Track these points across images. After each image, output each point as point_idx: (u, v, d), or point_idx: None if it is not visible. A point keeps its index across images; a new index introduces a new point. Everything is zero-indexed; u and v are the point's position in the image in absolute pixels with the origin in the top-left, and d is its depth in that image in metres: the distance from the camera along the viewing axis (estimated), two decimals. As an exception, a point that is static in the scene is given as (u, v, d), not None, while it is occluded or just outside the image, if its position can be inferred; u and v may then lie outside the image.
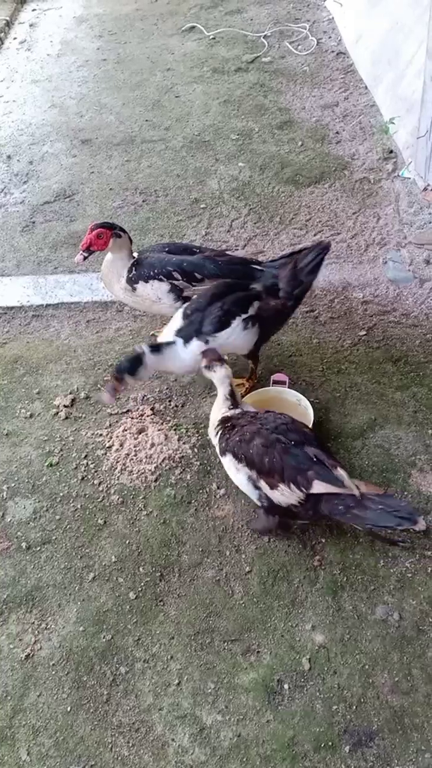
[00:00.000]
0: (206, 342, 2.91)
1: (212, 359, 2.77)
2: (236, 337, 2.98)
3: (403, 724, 2.23)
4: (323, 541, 2.70)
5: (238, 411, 2.72)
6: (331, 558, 2.64)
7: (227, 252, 3.38)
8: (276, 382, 3.15)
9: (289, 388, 3.14)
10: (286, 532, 2.70)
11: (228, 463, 2.63)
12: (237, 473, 2.59)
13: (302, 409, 3.02)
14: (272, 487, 2.50)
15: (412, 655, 2.37)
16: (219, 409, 2.75)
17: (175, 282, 3.16)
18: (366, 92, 5.49)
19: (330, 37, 6.31)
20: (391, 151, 4.82)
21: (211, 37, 6.48)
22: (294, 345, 3.55)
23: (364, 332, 3.60)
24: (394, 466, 2.93)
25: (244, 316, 2.97)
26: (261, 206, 4.46)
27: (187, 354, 2.93)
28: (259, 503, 2.61)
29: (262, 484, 2.52)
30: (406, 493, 2.82)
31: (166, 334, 3.00)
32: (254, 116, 5.36)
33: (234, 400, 2.74)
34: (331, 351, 3.51)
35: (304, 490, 2.44)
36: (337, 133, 5.11)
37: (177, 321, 3.00)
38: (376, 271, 3.97)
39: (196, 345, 2.92)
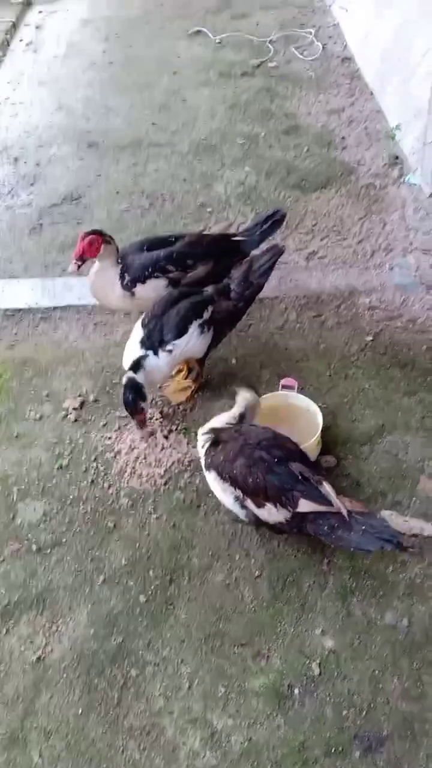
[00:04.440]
0: (169, 351, 2.96)
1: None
2: (194, 342, 3.04)
3: (413, 729, 2.25)
4: (333, 546, 2.71)
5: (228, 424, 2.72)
6: (340, 563, 2.66)
7: (205, 233, 3.45)
8: (285, 387, 3.16)
9: (297, 392, 3.15)
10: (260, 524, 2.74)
11: (212, 480, 2.63)
12: (223, 493, 2.60)
13: (311, 414, 3.03)
14: (259, 506, 2.51)
15: (422, 661, 2.38)
16: (220, 418, 2.75)
17: (171, 275, 3.22)
18: (372, 98, 5.51)
19: (336, 43, 6.33)
20: (397, 157, 4.84)
21: (217, 41, 6.50)
22: (301, 350, 3.57)
23: (371, 338, 3.61)
24: (402, 472, 2.94)
25: (199, 321, 3.03)
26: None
27: (160, 363, 2.97)
28: (246, 519, 2.63)
29: (249, 503, 2.53)
30: (415, 498, 2.84)
31: (131, 347, 3.02)
32: (260, 121, 5.37)
33: (241, 419, 2.73)
34: (338, 356, 3.52)
35: (290, 509, 2.45)
36: (342, 138, 5.13)
37: (138, 332, 3.04)
38: (383, 276, 3.99)
39: (163, 355, 2.97)
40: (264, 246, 3.46)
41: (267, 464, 2.49)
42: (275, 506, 2.46)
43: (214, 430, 2.70)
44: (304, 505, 2.43)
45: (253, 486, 2.48)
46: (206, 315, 3.07)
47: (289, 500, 2.44)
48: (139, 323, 3.07)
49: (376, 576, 2.61)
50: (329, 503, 2.43)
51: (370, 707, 2.30)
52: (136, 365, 2.93)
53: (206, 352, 3.19)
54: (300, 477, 2.47)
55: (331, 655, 2.42)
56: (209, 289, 3.17)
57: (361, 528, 2.39)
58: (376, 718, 2.28)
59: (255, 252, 3.41)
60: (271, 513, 2.48)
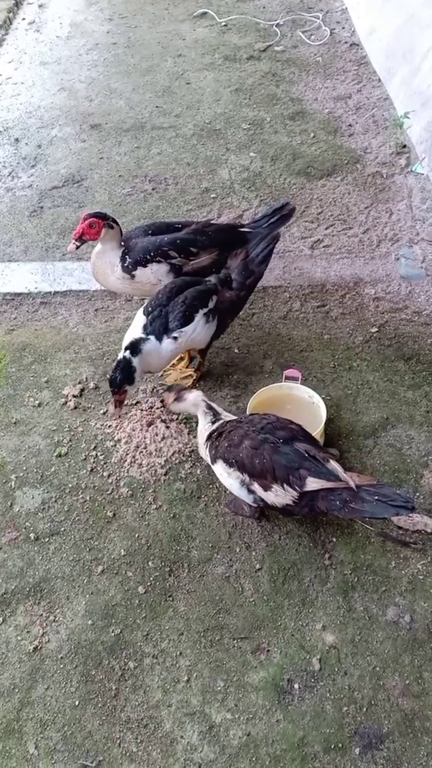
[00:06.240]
0: (175, 339, 2.92)
1: (177, 392, 2.78)
2: (199, 330, 3.00)
3: (413, 727, 2.22)
4: (334, 540, 2.68)
5: (221, 422, 2.68)
6: (342, 557, 2.62)
7: (212, 222, 3.41)
8: (288, 378, 3.12)
9: (300, 383, 3.11)
10: (262, 518, 2.73)
11: (219, 469, 2.60)
12: (229, 478, 2.57)
13: (314, 406, 2.99)
14: (266, 488, 2.47)
15: (424, 658, 2.36)
16: (204, 428, 2.70)
17: (173, 261, 3.18)
18: (379, 85, 5.43)
19: (343, 28, 6.23)
20: (405, 146, 4.77)
21: (222, 23, 6.40)
22: (305, 340, 3.52)
23: (376, 329, 3.57)
24: (406, 466, 2.91)
25: (204, 310, 3.00)
26: (272, 197, 4.41)
27: (162, 350, 2.93)
28: (255, 505, 2.59)
29: (256, 486, 2.49)
30: (418, 494, 2.80)
31: (132, 334, 2.96)
32: (266, 106, 5.30)
33: (215, 413, 2.71)
34: (342, 347, 3.48)
35: (297, 488, 2.42)
36: (349, 125, 5.06)
37: (140, 319, 2.98)
38: (388, 267, 3.94)
39: (167, 342, 2.92)
40: None
41: (273, 445, 2.46)
42: (282, 487, 2.43)
43: (212, 432, 2.65)
44: (312, 483, 2.40)
45: (260, 467, 2.45)
46: (211, 304, 3.03)
47: (296, 479, 2.41)
48: (140, 311, 3.02)
49: (378, 571, 2.58)
50: (337, 479, 2.40)
51: (371, 704, 2.28)
52: (134, 347, 2.87)
53: (209, 342, 3.15)
54: (307, 455, 2.44)
55: (332, 650, 2.40)
56: (212, 279, 3.13)
57: (374, 498, 2.36)
58: (376, 714, 2.26)
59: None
60: (278, 495, 2.45)
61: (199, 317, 2.96)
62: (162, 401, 2.93)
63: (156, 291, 3.23)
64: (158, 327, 2.91)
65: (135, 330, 2.94)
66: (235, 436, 2.54)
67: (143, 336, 2.91)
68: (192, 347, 3.12)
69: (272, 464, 2.44)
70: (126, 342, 2.97)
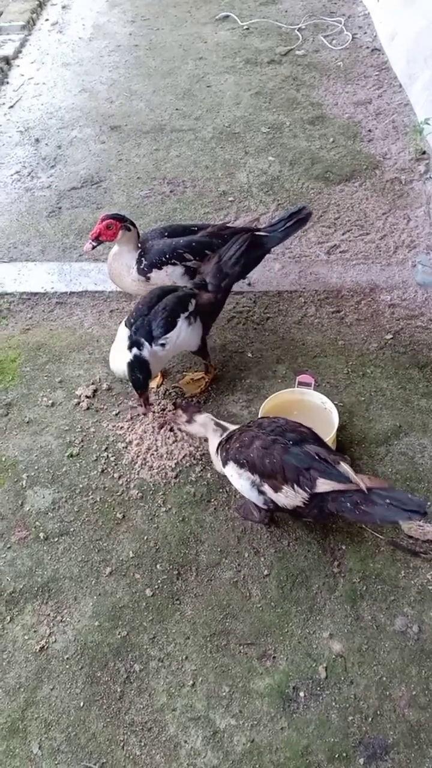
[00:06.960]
0: (162, 346, 2.92)
1: (190, 414, 2.77)
2: (184, 334, 3.01)
3: (419, 739, 2.20)
4: (343, 548, 2.66)
5: (229, 431, 2.68)
6: (351, 566, 2.61)
7: (228, 225, 3.41)
8: (301, 384, 3.11)
9: (313, 389, 3.09)
10: (271, 523, 2.72)
11: (231, 471, 2.59)
12: (239, 479, 2.56)
13: (327, 412, 2.98)
14: (276, 489, 2.46)
15: (431, 669, 2.34)
16: (214, 443, 2.71)
17: (188, 263, 3.19)
18: (400, 91, 5.40)
19: (365, 33, 6.21)
20: (424, 152, 4.74)
21: (244, 27, 6.40)
22: (319, 345, 3.51)
23: (391, 336, 3.55)
24: (418, 474, 2.89)
25: (185, 313, 3.00)
26: (290, 202, 4.40)
27: (153, 353, 2.93)
28: (265, 507, 2.58)
29: (266, 488, 2.48)
30: (430, 504, 2.77)
31: (118, 348, 2.96)
32: (286, 110, 5.29)
33: (223, 428, 2.71)
34: (356, 354, 3.46)
35: (308, 489, 2.40)
36: (369, 131, 5.04)
37: (124, 332, 2.98)
38: (405, 273, 3.92)
39: (156, 348, 2.93)
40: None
41: (283, 446, 2.45)
42: (293, 488, 2.41)
43: (222, 441, 2.65)
44: (323, 485, 2.38)
45: (270, 468, 2.44)
46: (191, 307, 3.04)
47: (306, 480, 2.39)
48: (122, 324, 3.02)
49: (387, 580, 2.56)
50: (348, 481, 2.38)
51: (377, 714, 2.26)
52: (135, 344, 2.88)
53: (201, 344, 3.15)
54: (317, 457, 2.43)
55: (339, 659, 2.38)
56: (188, 285, 3.16)
57: (385, 501, 2.33)
58: (382, 725, 2.24)
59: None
60: (288, 496, 2.44)
61: (180, 321, 2.97)
62: (173, 417, 2.90)
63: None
64: (144, 336, 2.91)
65: (120, 345, 2.94)
66: (246, 437, 2.55)
67: (136, 339, 2.91)
68: (183, 350, 3.12)
69: (282, 464, 2.43)
70: (113, 358, 2.98)
